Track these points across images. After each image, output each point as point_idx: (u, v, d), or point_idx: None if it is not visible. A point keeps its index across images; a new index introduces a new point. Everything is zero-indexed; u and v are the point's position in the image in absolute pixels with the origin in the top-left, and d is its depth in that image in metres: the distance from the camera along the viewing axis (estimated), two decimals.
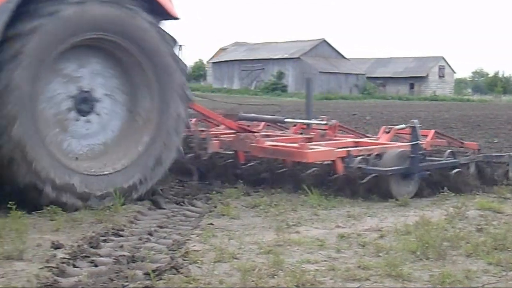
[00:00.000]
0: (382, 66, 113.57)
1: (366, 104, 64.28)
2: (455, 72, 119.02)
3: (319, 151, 10.62)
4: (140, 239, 7.33)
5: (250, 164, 11.58)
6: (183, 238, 7.55)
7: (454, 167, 11.51)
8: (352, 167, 10.37)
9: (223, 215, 9.02)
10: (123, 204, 9.09)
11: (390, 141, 12.14)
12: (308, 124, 13.16)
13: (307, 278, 5.85)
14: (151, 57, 9.48)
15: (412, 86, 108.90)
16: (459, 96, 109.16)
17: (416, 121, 11.29)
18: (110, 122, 9.70)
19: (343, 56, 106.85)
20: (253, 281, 5.79)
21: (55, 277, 5.75)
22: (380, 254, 6.89)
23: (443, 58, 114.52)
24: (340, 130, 13.39)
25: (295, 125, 13.58)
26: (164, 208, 9.36)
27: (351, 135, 13.40)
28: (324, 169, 10.91)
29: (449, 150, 12.16)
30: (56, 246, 6.87)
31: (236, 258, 6.61)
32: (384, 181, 10.44)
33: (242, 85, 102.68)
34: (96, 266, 6.24)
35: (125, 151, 9.59)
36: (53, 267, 6.05)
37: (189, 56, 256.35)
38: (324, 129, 12.64)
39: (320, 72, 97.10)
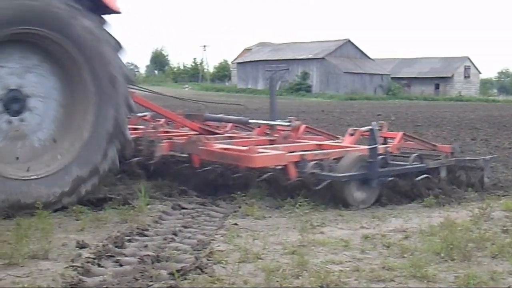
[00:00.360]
0: (407, 67, 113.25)
1: (391, 105, 64.12)
2: (480, 73, 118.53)
3: (268, 155, 9.88)
4: (164, 239, 7.36)
5: (205, 169, 10.87)
6: (207, 238, 7.57)
7: (422, 172, 10.96)
8: (305, 172, 9.78)
9: (248, 215, 9.04)
10: (148, 204, 9.15)
11: (355, 144, 11.46)
12: (271, 126, 12.51)
13: (332, 278, 5.84)
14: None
15: (437, 87, 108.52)
16: (485, 96, 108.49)
17: (374, 123, 10.71)
18: (50, 90, 9.22)
19: (367, 56, 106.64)
20: (277, 281, 5.79)
21: (80, 277, 5.78)
22: (405, 255, 6.87)
23: (469, 58, 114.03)
24: (308, 131, 12.98)
25: (259, 127, 13.02)
26: (188, 208, 9.38)
27: (321, 137, 12.86)
28: (279, 175, 10.20)
29: (415, 154, 11.49)
30: (81, 246, 6.91)
31: (260, 259, 6.61)
32: (339, 187, 9.85)
33: (266, 86, 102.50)
34: (121, 265, 6.27)
35: (83, 112, 9.22)
36: (78, 267, 6.08)
37: (213, 56, 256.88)
38: (288, 131, 12.04)
39: (344, 72, 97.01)
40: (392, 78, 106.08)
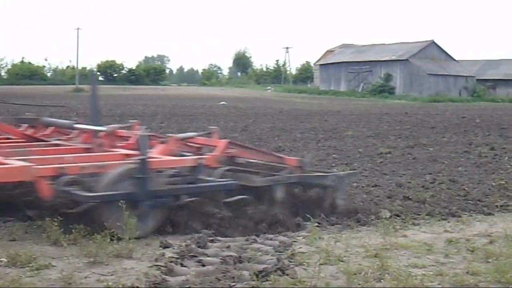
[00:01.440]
0: (492, 68, 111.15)
1: (476, 107, 63.09)
2: None
3: (4, 168, 7.63)
4: (246, 240, 7.41)
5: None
6: (289, 239, 7.59)
7: (241, 193, 8.57)
8: (58, 190, 7.59)
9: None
10: None
11: (169, 155, 9.02)
12: (95, 131, 10.04)
13: (414, 282, 5.80)
14: None
15: None
16: None
17: (142, 128, 8.90)
18: None
19: (452, 58, 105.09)
20: (359, 284, 5.78)
21: (164, 276, 5.87)
22: (490, 260, 6.77)
23: None
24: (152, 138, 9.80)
25: (85, 132, 10.36)
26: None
27: (165, 145, 9.50)
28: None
29: (224, 168, 9.09)
30: (165, 246, 7.02)
31: (342, 261, 6.60)
32: (96, 211, 7.61)
33: (349, 87, 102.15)
34: (203, 265, 6.34)
35: None
36: (162, 266, 6.17)
37: (296, 58, 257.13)
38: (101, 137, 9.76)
39: (428, 74, 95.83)
40: (477, 80, 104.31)
